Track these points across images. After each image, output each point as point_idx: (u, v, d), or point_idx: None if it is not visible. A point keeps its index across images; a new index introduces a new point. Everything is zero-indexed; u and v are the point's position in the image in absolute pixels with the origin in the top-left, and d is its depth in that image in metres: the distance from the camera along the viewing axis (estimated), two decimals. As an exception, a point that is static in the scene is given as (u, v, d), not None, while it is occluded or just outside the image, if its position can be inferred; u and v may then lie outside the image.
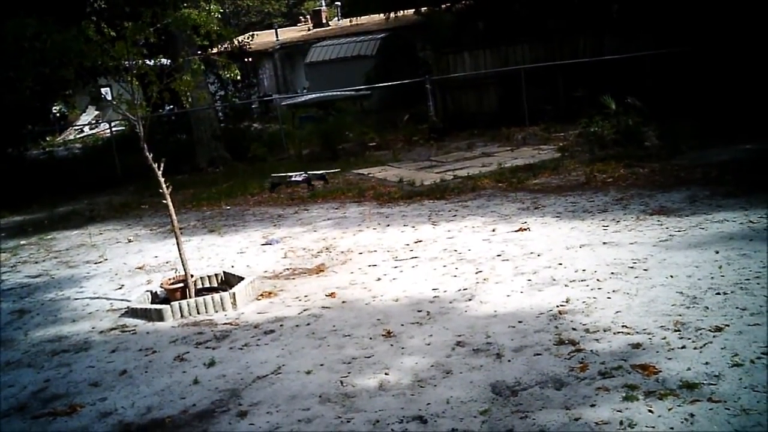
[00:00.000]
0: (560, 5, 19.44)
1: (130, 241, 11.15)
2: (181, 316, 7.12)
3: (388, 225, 9.80)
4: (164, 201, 7.66)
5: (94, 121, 33.79)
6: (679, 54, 15.39)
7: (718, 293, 5.84)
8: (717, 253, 6.80)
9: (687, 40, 15.36)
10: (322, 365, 5.52)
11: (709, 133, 12.78)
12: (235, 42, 22.15)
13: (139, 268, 9.37)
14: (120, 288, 8.55)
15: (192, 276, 7.60)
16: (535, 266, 7.20)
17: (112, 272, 9.34)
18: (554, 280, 6.74)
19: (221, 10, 8.86)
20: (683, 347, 4.98)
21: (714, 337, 5.07)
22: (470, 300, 6.52)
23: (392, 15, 27.53)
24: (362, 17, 33.85)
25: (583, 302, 6.08)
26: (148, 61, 9.12)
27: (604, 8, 18.80)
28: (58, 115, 32.78)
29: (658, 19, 16.47)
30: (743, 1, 15.06)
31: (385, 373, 5.22)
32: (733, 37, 14.65)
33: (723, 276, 6.20)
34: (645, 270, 6.66)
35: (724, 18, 15.27)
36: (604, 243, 7.68)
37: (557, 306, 6.07)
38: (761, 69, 14.17)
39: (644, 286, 6.26)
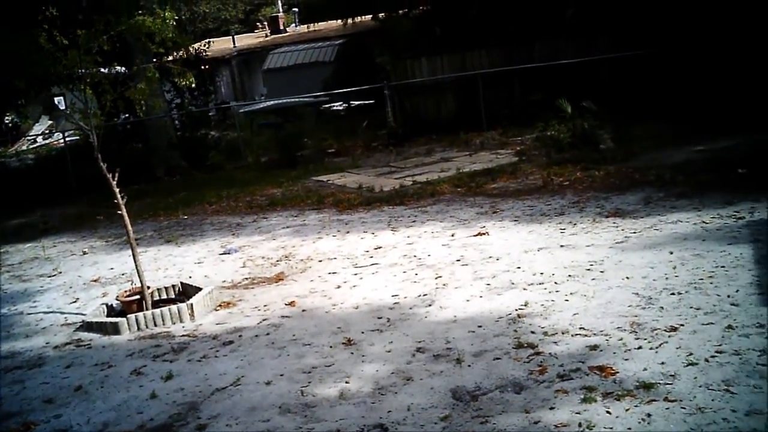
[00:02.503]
0: (516, 10, 19.64)
1: (84, 253, 10.96)
2: (138, 328, 7.01)
3: (348, 232, 9.78)
4: (119, 212, 7.54)
5: (47, 131, 33.17)
6: (633, 57, 15.65)
7: (673, 293, 5.93)
8: (671, 253, 6.91)
9: (640, 44, 15.64)
10: (281, 375, 5.47)
11: (662, 136, 13.02)
12: (192, 49, 21.92)
13: (95, 280, 9.21)
14: (75, 302, 8.40)
15: (148, 288, 7.49)
16: (494, 270, 7.24)
17: (66, 285, 9.17)
18: (513, 283, 6.78)
19: (176, 17, 8.77)
20: (639, 348, 5.04)
21: (669, 337, 5.14)
22: (430, 306, 6.53)
23: (350, 21, 27.49)
24: (320, 23, 33.77)
25: (542, 305, 6.12)
26: (102, 69, 8.98)
27: (559, 13, 19.02)
28: (10, 125, 32.14)
29: (612, 23, 16.71)
30: (697, 6, 15.35)
31: (346, 382, 5.20)
32: (687, 41, 14.93)
33: (677, 276, 6.29)
34: (601, 272, 6.73)
35: (677, 22, 15.57)
36: (562, 246, 7.75)
37: (516, 310, 6.10)
38: (712, 73, 14.48)
39: (601, 287, 6.33)
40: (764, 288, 5.73)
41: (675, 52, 15.14)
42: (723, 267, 6.32)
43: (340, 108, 18.25)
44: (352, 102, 18.22)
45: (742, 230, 7.27)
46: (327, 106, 18.41)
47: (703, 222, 7.78)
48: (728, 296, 5.68)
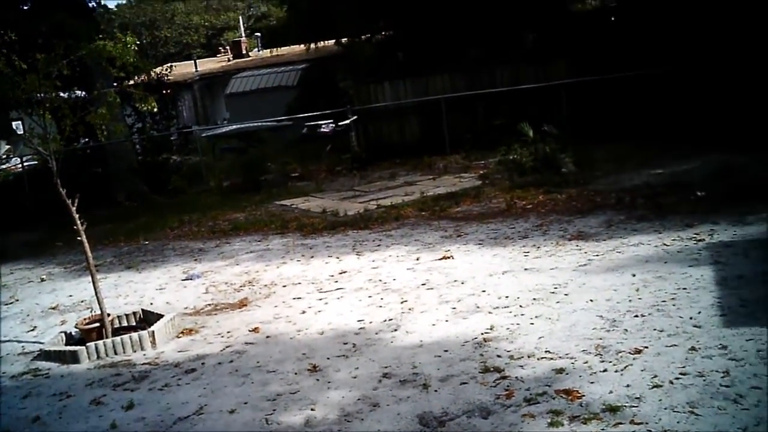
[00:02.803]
0: (477, 36, 19.90)
1: (43, 280, 10.72)
2: (98, 357, 6.85)
3: (312, 256, 9.71)
4: (79, 238, 7.40)
5: (4, 156, 32.54)
6: (591, 82, 15.92)
7: (637, 316, 5.98)
8: (634, 276, 6.97)
9: (597, 69, 15.95)
10: (246, 404, 5.38)
11: (621, 159, 13.23)
12: (153, 73, 21.75)
13: (53, 308, 9.01)
14: (32, 330, 8.19)
15: (109, 315, 7.34)
16: (459, 294, 7.23)
17: (23, 313, 8.94)
18: (478, 307, 6.78)
19: (138, 42, 8.69)
20: (605, 370, 5.06)
21: (634, 359, 5.17)
22: (396, 330, 6.49)
23: (312, 46, 27.61)
24: (282, 48, 33.84)
25: (507, 329, 6.13)
26: (62, 93, 8.85)
27: (520, 39, 19.32)
28: (-34, 150, 31.51)
29: (571, 49, 17.00)
30: (650, 32, 15.70)
31: (311, 409, 5.13)
32: (640, 66, 15.23)
33: (640, 298, 6.35)
34: (566, 295, 6.77)
35: (631, 48, 15.92)
36: (526, 269, 7.78)
37: (482, 333, 6.09)
38: (666, 98, 14.80)
39: (565, 310, 6.36)
40: (726, 310, 5.81)
41: (629, 78, 15.44)
42: (685, 289, 6.40)
43: (328, 129, 18.22)
44: (339, 123, 18.21)
45: (703, 252, 7.38)
46: (312, 124, 18.33)
47: (664, 244, 7.88)
48: (691, 318, 5.74)
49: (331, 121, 17.62)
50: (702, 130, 13.50)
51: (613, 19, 17.69)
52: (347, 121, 17.91)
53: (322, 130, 17.88)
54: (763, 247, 7.23)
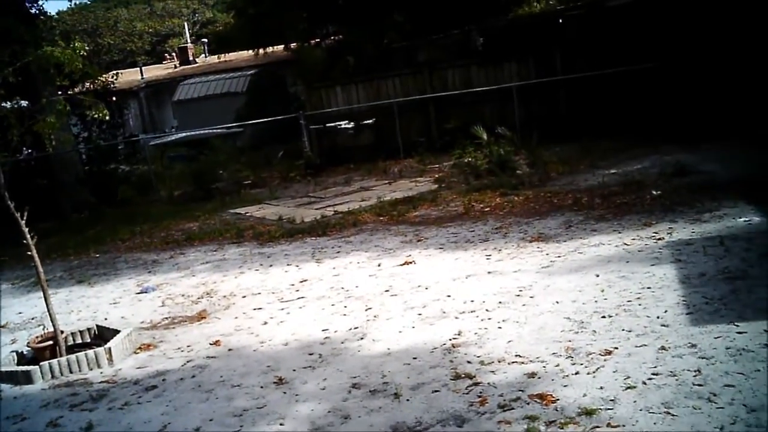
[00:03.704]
0: (426, 39, 19.95)
1: (-11, 297, 10.34)
2: (52, 376, 6.58)
3: (271, 265, 9.54)
4: (29, 252, 7.10)
5: (-57, 169, 31.47)
6: (542, 84, 16.09)
7: (604, 316, 5.97)
8: (597, 276, 6.98)
9: (549, 71, 16.13)
10: (211, 420, 5.21)
11: (573, 160, 13.36)
12: (99, 80, 21.23)
13: (2, 326, 8.65)
14: (-20, 350, 7.85)
15: (62, 332, 7.07)
16: (424, 300, 7.15)
17: (-30, 333, 8.59)
18: (444, 312, 6.71)
19: (87, 48, 8.43)
20: (577, 373, 5.03)
21: (605, 360, 5.14)
22: (362, 339, 6.37)
23: (261, 51, 27.34)
24: (230, 54, 33.47)
25: (475, 333, 6.06)
26: (4, 104, 8.55)
27: (469, 41, 19.43)
28: None
29: (521, 50, 17.13)
30: (597, 37, 15.92)
31: (280, 424, 4.99)
32: (591, 68, 15.42)
33: (606, 299, 6.34)
34: (531, 297, 6.74)
35: (581, 50, 16.12)
36: (489, 272, 7.74)
37: (450, 339, 6.02)
38: (617, 99, 15.01)
39: (532, 313, 6.32)
40: (691, 308, 5.83)
41: (577, 80, 15.63)
42: (649, 288, 6.42)
43: (349, 126, 18.38)
44: (361, 122, 18.41)
45: (663, 251, 7.43)
46: (332, 125, 18.49)
47: (625, 244, 7.92)
48: (658, 317, 5.75)
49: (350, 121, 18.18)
50: (650, 130, 13.74)
51: (561, 21, 17.84)
52: (369, 121, 18.08)
53: (342, 126, 18.21)
54: (722, 244, 7.30)
